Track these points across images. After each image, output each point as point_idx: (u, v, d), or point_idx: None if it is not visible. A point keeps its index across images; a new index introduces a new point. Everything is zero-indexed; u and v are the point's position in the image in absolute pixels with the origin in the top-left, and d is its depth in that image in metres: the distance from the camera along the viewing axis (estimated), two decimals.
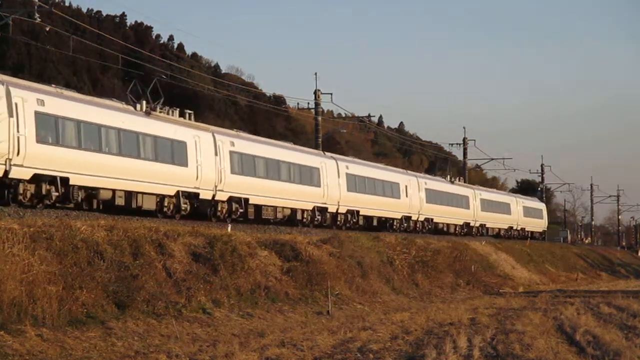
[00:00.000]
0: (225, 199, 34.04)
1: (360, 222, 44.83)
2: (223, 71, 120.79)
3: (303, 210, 39.63)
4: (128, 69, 59.57)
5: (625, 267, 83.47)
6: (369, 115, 63.10)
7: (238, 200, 34.75)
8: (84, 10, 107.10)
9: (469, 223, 60.57)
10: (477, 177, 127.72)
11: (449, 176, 62.94)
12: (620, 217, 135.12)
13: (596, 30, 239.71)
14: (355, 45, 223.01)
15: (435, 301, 34.68)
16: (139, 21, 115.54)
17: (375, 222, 46.29)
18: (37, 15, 35.14)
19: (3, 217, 21.18)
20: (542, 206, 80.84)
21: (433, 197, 54.16)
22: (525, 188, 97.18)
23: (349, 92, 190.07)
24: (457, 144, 75.54)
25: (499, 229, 67.91)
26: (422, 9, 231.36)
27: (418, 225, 52.14)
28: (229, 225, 31.14)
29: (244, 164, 35.66)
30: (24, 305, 17.75)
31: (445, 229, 56.89)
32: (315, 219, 40.49)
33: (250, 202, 35.41)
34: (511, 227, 70.39)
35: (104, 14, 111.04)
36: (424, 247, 42.01)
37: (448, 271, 42.10)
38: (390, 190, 48.12)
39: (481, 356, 17.08)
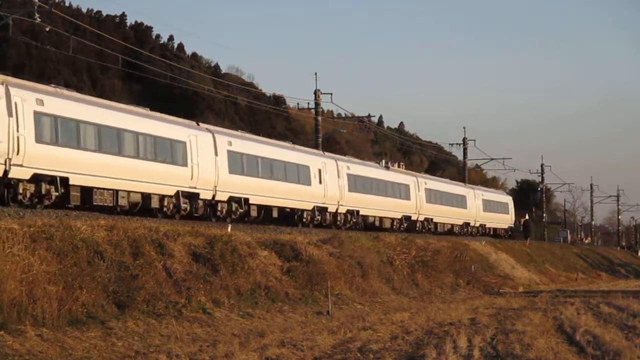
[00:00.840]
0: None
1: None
2: (223, 71, 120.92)
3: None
4: (128, 69, 59.62)
5: (625, 267, 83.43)
6: (369, 115, 63.19)
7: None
8: (84, 10, 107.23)
9: (410, 217, 52.13)
10: (478, 177, 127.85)
11: (383, 161, 55.34)
12: (620, 217, 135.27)
13: (596, 30, 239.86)
14: (355, 46, 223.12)
15: (435, 301, 34.68)
16: (139, 21, 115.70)
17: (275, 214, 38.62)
18: (37, 15, 35.18)
19: (3, 217, 21.18)
20: (507, 199, 73.23)
21: (359, 184, 45.35)
22: (526, 188, 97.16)
23: (349, 92, 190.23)
24: (457, 144, 75.68)
25: (452, 225, 60.09)
26: (423, 9, 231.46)
27: (340, 219, 43.44)
28: (229, 225, 31.14)
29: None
30: (24, 305, 17.75)
31: (377, 223, 47.69)
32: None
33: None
34: (467, 223, 62.47)
35: (104, 14, 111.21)
36: (424, 247, 42.01)
37: (448, 271, 42.09)
38: (297, 174, 39.50)
39: (481, 356, 17.08)
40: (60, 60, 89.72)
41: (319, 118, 51.91)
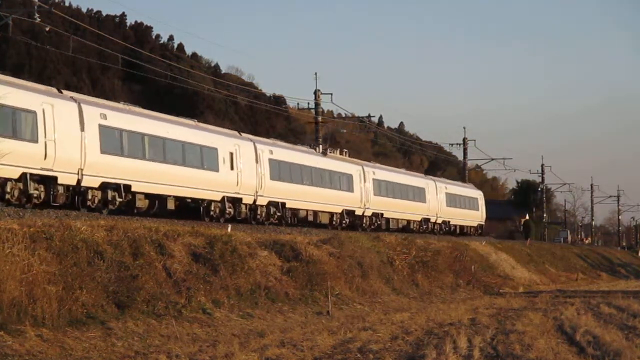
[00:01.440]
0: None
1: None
2: (223, 71, 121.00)
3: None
4: (128, 69, 59.61)
5: (625, 267, 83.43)
6: (369, 115, 63.20)
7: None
8: (84, 10, 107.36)
9: (354, 211, 45.58)
10: (478, 177, 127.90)
11: (320, 147, 48.48)
12: (620, 217, 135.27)
13: (596, 30, 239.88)
14: (355, 46, 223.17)
15: (436, 301, 34.67)
16: (139, 21, 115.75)
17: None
18: (37, 15, 35.17)
19: (3, 217, 21.17)
20: (477, 194, 65.64)
21: (284, 173, 38.57)
22: (526, 188, 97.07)
23: (349, 92, 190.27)
24: (457, 144, 75.59)
25: (408, 221, 52.59)
26: (423, 9, 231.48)
27: (260, 212, 37.10)
28: (229, 225, 31.12)
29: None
30: (23, 306, 17.74)
31: (310, 218, 41.38)
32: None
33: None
34: (427, 219, 55.13)
35: (104, 14, 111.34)
36: (424, 247, 42.01)
37: (448, 271, 42.09)
38: (200, 158, 33.89)
39: (481, 356, 17.07)
40: (60, 60, 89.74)
41: (319, 118, 51.88)
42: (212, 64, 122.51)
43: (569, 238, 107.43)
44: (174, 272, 23.09)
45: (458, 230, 60.16)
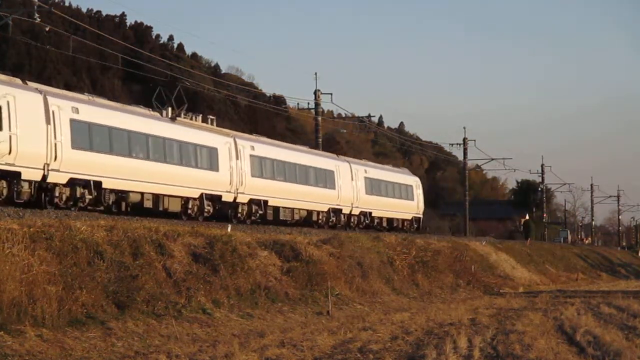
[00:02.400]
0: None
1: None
2: (223, 71, 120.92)
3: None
4: (128, 69, 59.62)
5: (625, 268, 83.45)
6: (369, 115, 63.13)
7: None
8: (84, 10, 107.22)
9: (221, 196, 34.53)
10: (478, 177, 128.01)
11: (169, 109, 34.00)
12: (620, 217, 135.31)
13: (596, 30, 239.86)
14: (355, 45, 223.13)
15: (436, 301, 34.68)
16: (139, 21, 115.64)
17: None
18: (37, 15, 35.14)
19: (3, 217, 21.16)
20: (412, 181, 54.03)
21: (98, 139, 28.74)
22: (526, 188, 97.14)
23: (349, 92, 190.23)
24: (457, 144, 75.50)
25: (308, 211, 41.23)
26: (423, 9, 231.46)
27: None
28: (229, 225, 31.11)
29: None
30: (23, 306, 17.74)
31: (151, 205, 30.97)
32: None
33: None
34: (337, 210, 43.66)
35: (104, 14, 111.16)
36: (424, 248, 42.02)
37: (448, 271, 42.10)
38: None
39: (481, 356, 17.07)
40: (60, 60, 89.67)
41: (319, 118, 51.88)
42: (212, 64, 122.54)
43: (569, 238, 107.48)
44: (174, 272, 23.09)
45: (384, 224, 49.12)
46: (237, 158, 35.59)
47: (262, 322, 23.60)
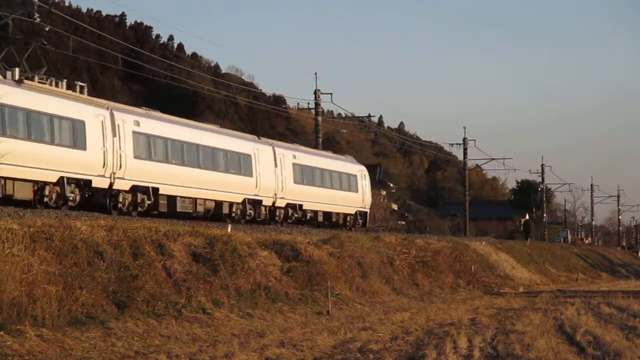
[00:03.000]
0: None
1: None
2: (223, 71, 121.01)
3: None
4: (128, 69, 59.63)
5: (625, 268, 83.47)
6: (369, 115, 63.19)
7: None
8: (84, 10, 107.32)
9: (90, 181, 28.72)
10: (478, 177, 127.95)
11: (16, 71, 27.66)
12: (620, 217, 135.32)
13: (596, 30, 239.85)
14: (355, 45, 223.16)
15: (436, 301, 34.67)
16: (139, 21, 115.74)
17: None
18: (36, 15, 35.12)
19: (3, 217, 21.16)
20: (357, 170, 47.02)
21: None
22: (526, 188, 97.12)
23: (349, 92, 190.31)
24: (457, 144, 75.50)
25: (216, 202, 34.77)
26: (423, 9, 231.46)
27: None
28: (229, 225, 31.10)
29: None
30: (23, 306, 17.73)
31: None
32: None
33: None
34: (256, 201, 37.08)
35: (104, 14, 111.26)
36: (424, 248, 42.02)
37: (448, 271, 42.09)
38: None
39: (481, 356, 17.06)
40: (60, 60, 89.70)
41: (319, 118, 51.88)
42: (212, 64, 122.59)
43: (569, 238, 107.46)
44: (174, 272, 23.09)
45: (321, 219, 42.51)
46: (114, 135, 29.54)
47: (262, 322, 23.60)
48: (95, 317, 19.20)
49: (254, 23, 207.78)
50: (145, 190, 31.02)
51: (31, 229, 19.92)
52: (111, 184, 29.55)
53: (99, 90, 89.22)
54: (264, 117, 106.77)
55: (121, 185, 29.93)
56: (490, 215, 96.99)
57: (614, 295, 35.70)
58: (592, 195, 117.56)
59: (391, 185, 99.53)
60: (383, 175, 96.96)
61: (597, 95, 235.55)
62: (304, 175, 41.16)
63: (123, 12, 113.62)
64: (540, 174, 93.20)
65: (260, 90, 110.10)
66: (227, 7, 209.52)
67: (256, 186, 37.10)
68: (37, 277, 18.53)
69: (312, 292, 28.29)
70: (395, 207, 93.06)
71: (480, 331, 21.33)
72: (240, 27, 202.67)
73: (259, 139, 40.41)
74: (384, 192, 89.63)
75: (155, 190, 31.40)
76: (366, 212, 47.13)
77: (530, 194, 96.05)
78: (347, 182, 45.40)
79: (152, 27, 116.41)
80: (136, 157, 30.50)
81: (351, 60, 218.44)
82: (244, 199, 36.45)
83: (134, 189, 30.55)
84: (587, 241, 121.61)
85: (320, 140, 51.03)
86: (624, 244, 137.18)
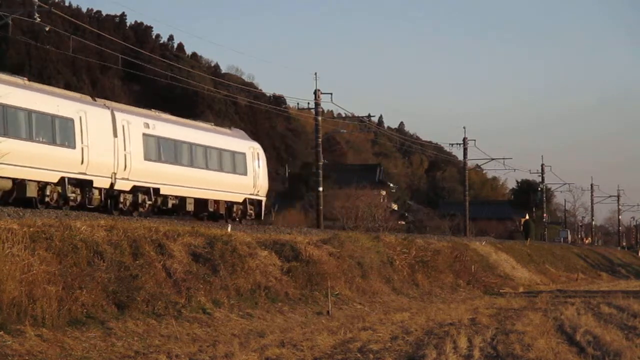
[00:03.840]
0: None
1: None
2: (223, 71, 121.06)
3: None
4: (128, 69, 59.61)
5: (625, 268, 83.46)
6: (369, 115, 63.05)
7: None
8: (84, 10, 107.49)
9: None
10: (478, 177, 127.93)
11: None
12: (620, 217, 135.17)
13: (596, 30, 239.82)
14: (355, 46, 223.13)
15: (436, 301, 34.67)
16: (139, 21, 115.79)
17: None
18: (36, 15, 35.13)
19: (3, 217, 21.16)
20: (246, 147, 38.04)
21: None
22: (526, 188, 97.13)
23: (349, 92, 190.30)
24: (457, 144, 75.44)
25: (19, 183, 26.38)
26: (422, 9, 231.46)
27: None
28: (229, 225, 31.11)
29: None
30: (23, 306, 17.73)
31: None
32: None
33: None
34: (83, 182, 28.79)
35: (104, 14, 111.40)
36: (424, 247, 42.02)
37: (448, 271, 42.10)
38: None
39: (481, 356, 17.06)
40: (60, 60, 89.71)
41: (319, 118, 51.86)
42: (212, 64, 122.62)
43: (569, 238, 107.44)
44: (174, 272, 23.09)
45: (191, 208, 33.84)
46: None
47: (262, 322, 23.60)
48: (95, 317, 19.20)
49: (254, 23, 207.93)
50: None
51: (31, 229, 19.92)
52: None
53: (98, 90, 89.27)
54: (264, 117, 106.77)
55: None
56: (490, 215, 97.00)
57: (614, 295, 35.70)
58: (592, 195, 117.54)
59: (391, 185, 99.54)
60: (383, 175, 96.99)
61: (597, 95, 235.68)
62: (162, 150, 32.71)
63: (123, 12, 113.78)
64: (540, 174, 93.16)
65: (260, 90, 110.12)
66: (227, 7, 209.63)
67: (82, 161, 28.60)
68: (37, 277, 18.53)
69: (312, 292, 28.29)
70: (395, 207, 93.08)
71: (480, 331, 21.33)
72: (241, 27, 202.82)
73: (94, 100, 31.28)
74: (384, 192, 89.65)
75: None
76: (260, 201, 38.09)
77: (530, 194, 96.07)
78: (230, 162, 36.34)
79: (152, 27, 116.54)
80: None
81: (351, 60, 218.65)
82: (62, 178, 27.92)
83: None
84: (587, 241, 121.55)
85: (320, 140, 51.03)
86: (624, 244, 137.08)
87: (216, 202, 35.24)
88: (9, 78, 27.30)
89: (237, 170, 36.77)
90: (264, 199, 38.77)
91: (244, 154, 37.57)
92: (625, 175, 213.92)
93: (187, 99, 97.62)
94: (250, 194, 37.43)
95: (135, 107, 35.08)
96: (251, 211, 37.45)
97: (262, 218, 38.86)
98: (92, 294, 19.66)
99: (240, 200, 36.76)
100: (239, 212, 36.78)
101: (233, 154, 36.80)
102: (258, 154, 38.76)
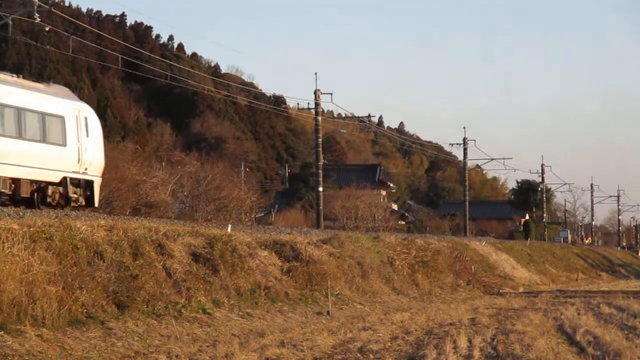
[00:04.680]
0: None
1: None
2: (223, 71, 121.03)
3: None
4: (128, 69, 59.63)
5: (625, 268, 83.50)
6: (369, 115, 63.02)
7: None
8: (84, 10, 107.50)
9: None
10: (478, 177, 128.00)
11: None
12: (620, 217, 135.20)
13: (597, 31, 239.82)
14: (355, 46, 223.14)
15: (436, 301, 34.67)
16: (139, 21, 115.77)
17: None
18: (36, 15, 35.15)
19: (3, 217, 21.16)
20: (68, 109, 28.00)
21: None
22: (526, 188, 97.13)
23: (349, 92, 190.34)
24: (457, 144, 75.49)
25: None
26: (422, 9, 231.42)
27: None
28: (229, 225, 31.11)
29: None
30: (23, 306, 17.73)
31: None
32: None
33: None
34: None
35: (104, 14, 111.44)
36: (424, 247, 42.01)
37: (448, 271, 42.09)
38: None
39: (481, 356, 17.05)
40: (60, 60, 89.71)
41: (319, 118, 51.86)
42: (212, 64, 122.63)
43: (569, 238, 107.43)
44: (174, 272, 23.09)
45: None
46: None
47: (262, 322, 23.60)
48: (95, 317, 19.21)
49: (254, 23, 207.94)
50: None
51: (31, 229, 19.92)
52: None
53: (98, 90, 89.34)
54: (264, 117, 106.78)
55: None
56: (490, 215, 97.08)
57: (614, 295, 35.70)
58: (592, 195, 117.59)
59: (391, 185, 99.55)
60: (383, 175, 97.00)
61: (597, 95, 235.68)
62: None
63: (123, 12, 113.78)
64: (540, 174, 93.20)
65: (260, 90, 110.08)
66: (227, 7, 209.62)
67: None
68: (37, 277, 18.53)
69: (312, 292, 28.29)
70: (395, 207, 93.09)
71: (480, 331, 21.32)
72: (241, 27, 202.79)
73: None
74: (384, 192, 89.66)
75: None
76: (91, 181, 28.79)
77: (530, 194, 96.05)
78: (37, 127, 26.74)
79: (152, 27, 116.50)
80: None
81: (351, 60, 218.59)
82: None
83: None
84: (587, 241, 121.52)
85: (320, 140, 51.02)
86: (624, 244, 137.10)
87: (14, 180, 25.79)
88: None
89: (48, 140, 27.07)
90: (97, 179, 29.13)
91: (62, 117, 27.69)
92: (625, 175, 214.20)
93: (186, 99, 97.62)
94: (74, 172, 27.95)
95: None
96: (76, 195, 28.19)
97: (97, 205, 29.39)
98: (92, 294, 19.66)
99: (57, 180, 27.38)
100: (57, 195, 27.57)
101: (43, 115, 26.90)
102: (86, 118, 28.86)
